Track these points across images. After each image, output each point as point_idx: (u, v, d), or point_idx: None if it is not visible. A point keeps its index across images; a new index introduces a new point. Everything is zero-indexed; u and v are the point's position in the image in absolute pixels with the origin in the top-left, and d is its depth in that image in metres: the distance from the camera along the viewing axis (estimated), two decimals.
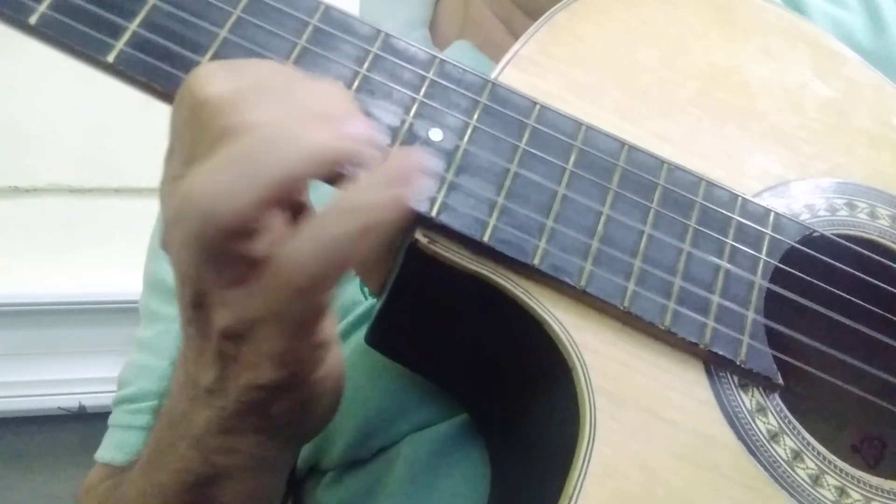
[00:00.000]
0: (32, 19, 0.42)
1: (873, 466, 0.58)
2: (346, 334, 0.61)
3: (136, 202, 1.54)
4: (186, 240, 0.39)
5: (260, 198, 0.38)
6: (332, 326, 0.45)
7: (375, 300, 0.53)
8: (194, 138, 0.41)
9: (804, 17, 0.64)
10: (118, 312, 1.53)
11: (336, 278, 0.41)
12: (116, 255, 1.51)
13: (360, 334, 0.55)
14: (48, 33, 0.43)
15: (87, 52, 0.43)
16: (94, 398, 1.55)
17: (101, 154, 1.53)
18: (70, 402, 1.56)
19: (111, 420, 0.72)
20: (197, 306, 0.43)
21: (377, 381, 0.60)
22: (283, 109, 0.40)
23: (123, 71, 0.43)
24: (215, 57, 0.44)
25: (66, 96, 1.43)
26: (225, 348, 0.43)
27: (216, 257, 0.40)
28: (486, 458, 0.58)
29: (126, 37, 0.44)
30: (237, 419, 0.46)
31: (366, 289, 0.62)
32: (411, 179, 0.40)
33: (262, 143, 0.39)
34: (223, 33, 0.45)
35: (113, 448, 0.70)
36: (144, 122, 1.29)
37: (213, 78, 0.41)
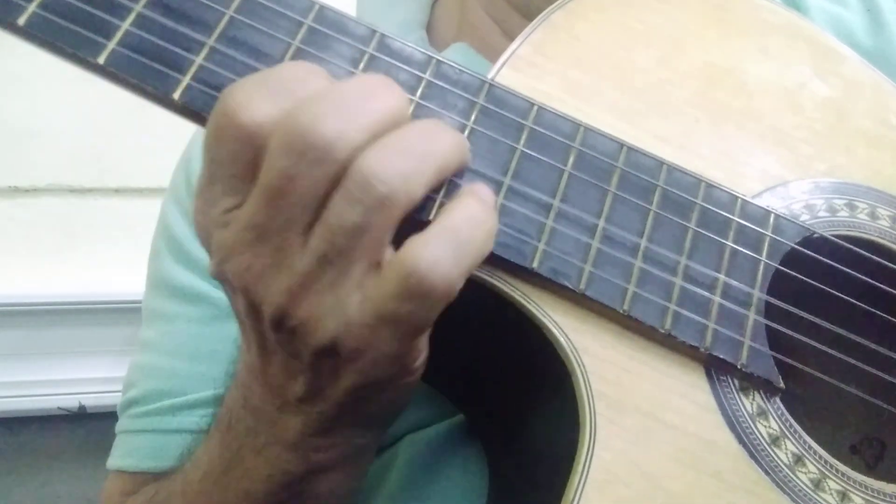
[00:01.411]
0: (21, 20, 0.42)
1: (873, 467, 0.58)
2: None
3: (136, 202, 1.54)
4: (344, 226, 0.40)
5: (430, 181, 0.42)
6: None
7: None
8: (243, 171, 0.41)
9: (803, 16, 0.63)
10: (118, 312, 1.53)
11: (465, 278, 0.42)
12: (116, 255, 1.51)
13: None
14: (38, 34, 0.42)
15: (78, 53, 0.42)
16: (94, 398, 1.55)
17: (101, 154, 1.53)
18: (70, 402, 1.56)
19: (119, 427, 0.72)
20: (280, 328, 0.43)
21: None
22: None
23: (115, 72, 0.43)
24: (209, 57, 0.44)
25: (65, 96, 1.43)
26: (321, 363, 0.43)
27: (363, 248, 0.41)
28: (483, 458, 0.58)
29: (118, 36, 0.43)
30: (336, 419, 0.47)
31: None
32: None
33: (421, 134, 0.42)
34: (216, 33, 0.44)
35: (125, 455, 0.70)
36: (144, 122, 1.30)
37: (259, 102, 0.40)
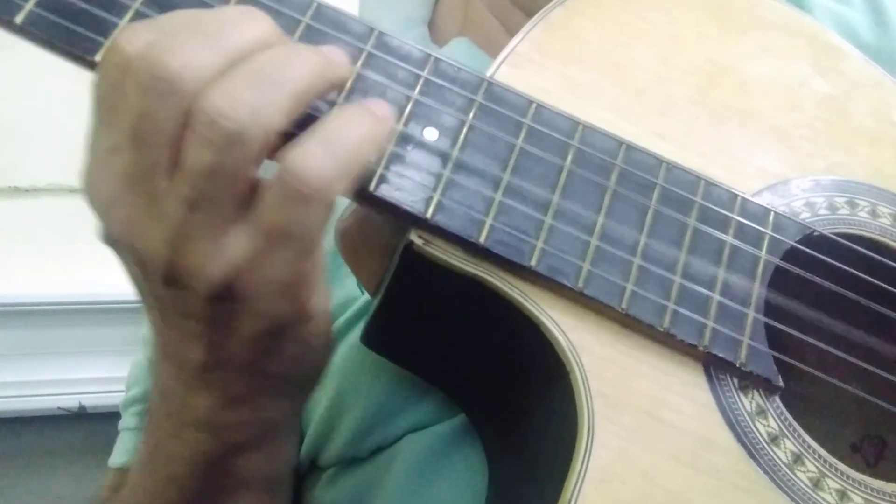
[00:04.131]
0: (19, 18, 0.42)
1: (873, 465, 0.58)
2: (343, 331, 0.60)
3: None
4: (201, 169, 0.38)
5: (288, 109, 0.39)
6: (322, 254, 0.44)
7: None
8: (115, 106, 0.40)
9: (804, 13, 0.63)
10: (118, 312, 1.52)
11: (346, 182, 0.41)
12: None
13: (358, 330, 0.55)
14: (35, 32, 0.42)
15: (75, 51, 0.42)
16: (94, 398, 1.55)
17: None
18: (70, 402, 1.55)
19: (121, 424, 0.72)
20: (169, 281, 0.41)
21: (375, 377, 0.60)
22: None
23: None
24: None
25: (65, 96, 1.42)
26: (214, 312, 0.42)
27: (228, 187, 0.39)
28: (483, 458, 0.58)
29: (115, 34, 0.43)
30: (240, 386, 0.46)
31: None
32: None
33: (273, 60, 0.40)
34: None
35: (125, 451, 0.70)
36: None
37: (138, 34, 0.39)
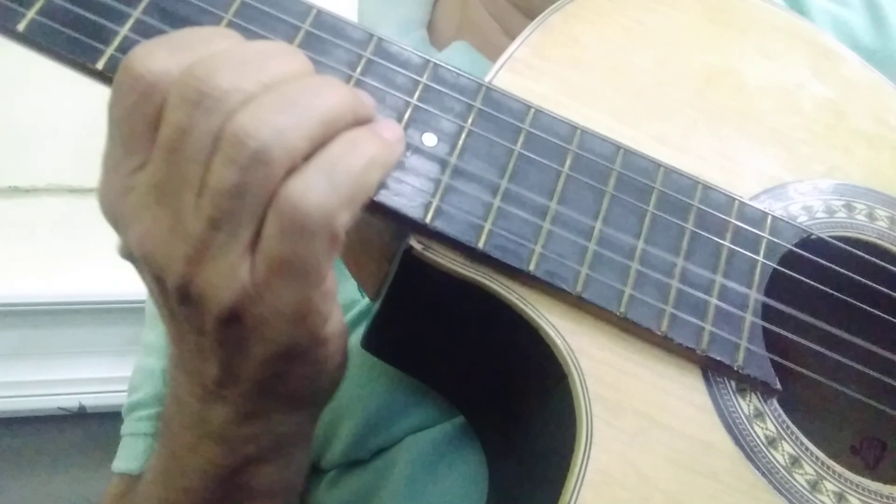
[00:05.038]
0: (21, 26, 0.42)
1: (873, 467, 0.58)
2: None
3: None
4: (225, 188, 0.39)
5: (312, 134, 0.40)
6: (335, 277, 0.44)
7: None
8: (142, 128, 0.40)
9: (802, 17, 0.63)
10: (118, 312, 1.53)
11: (351, 212, 0.40)
12: (116, 256, 1.50)
13: (359, 333, 0.55)
14: (37, 40, 0.42)
15: (77, 58, 0.43)
16: (94, 398, 1.55)
17: (102, 154, 1.52)
18: (70, 402, 1.55)
19: (124, 429, 0.72)
20: (184, 299, 0.41)
21: (377, 379, 0.60)
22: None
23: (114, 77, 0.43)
24: None
25: (66, 96, 1.43)
26: (226, 334, 0.42)
27: (248, 208, 0.39)
28: (483, 460, 0.58)
29: (117, 42, 0.43)
30: (254, 403, 0.46)
31: None
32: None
33: (303, 88, 0.40)
34: None
35: (128, 458, 0.70)
36: None
37: (157, 54, 0.40)
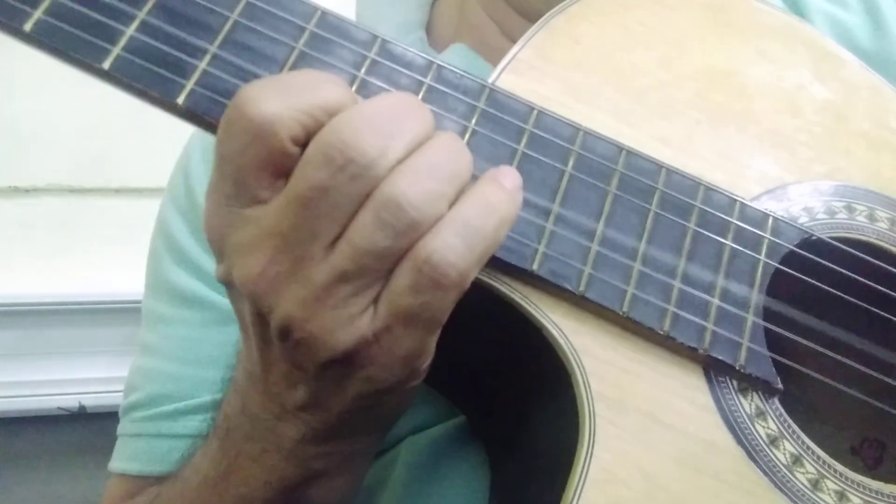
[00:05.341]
0: (27, 26, 0.42)
1: (873, 468, 0.58)
2: None
3: (136, 202, 1.54)
4: (371, 250, 0.39)
5: (453, 199, 0.41)
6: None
7: None
8: (255, 168, 0.40)
9: (802, 19, 0.63)
10: (118, 312, 1.53)
11: (480, 268, 0.42)
12: (116, 255, 1.51)
13: None
14: (43, 40, 0.42)
15: (83, 58, 0.43)
16: (94, 398, 1.55)
17: (101, 154, 1.53)
18: (70, 402, 1.56)
19: (120, 429, 0.72)
20: (287, 336, 0.42)
21: None
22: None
23: (120, 78, 0.43)
24: (212, 62, 0.44)
25: (66, 96, 1.43)
26: (328, 373, 0.43)
27: (386, 268, 0.40)
28: (485, 459, 0.58)
29: (123, 42, 0.43)
30: (337, 428, 0.46)
31: None
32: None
33: (445, 153, 0.41)
34: (220, 38, 0.44)
35: (128, 458, 0.70)
36: (144, 122, 1.30)
37: (268, 97, 0.40)
